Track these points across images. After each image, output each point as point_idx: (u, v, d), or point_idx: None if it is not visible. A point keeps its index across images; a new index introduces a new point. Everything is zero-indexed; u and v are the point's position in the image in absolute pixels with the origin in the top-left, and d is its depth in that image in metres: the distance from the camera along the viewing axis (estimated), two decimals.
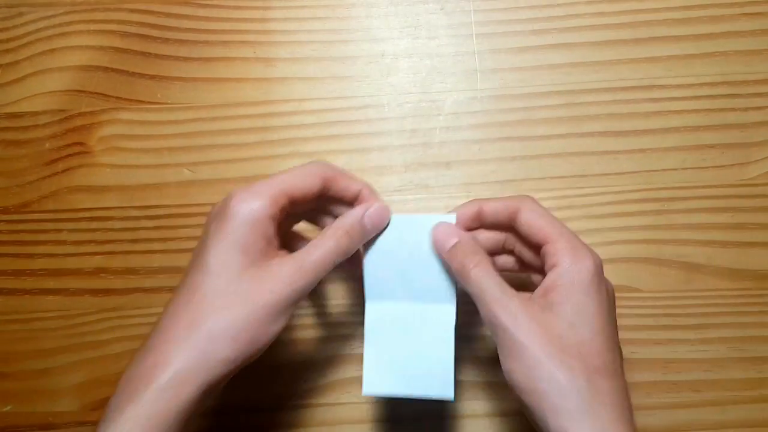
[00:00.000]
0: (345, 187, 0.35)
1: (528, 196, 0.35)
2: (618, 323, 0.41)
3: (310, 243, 0.33)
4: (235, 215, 0.31)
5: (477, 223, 0.35)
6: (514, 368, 0.30)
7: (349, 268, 0.36)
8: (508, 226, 0.35)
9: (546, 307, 0.31)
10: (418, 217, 0.35)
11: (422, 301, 0.35)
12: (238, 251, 0.31)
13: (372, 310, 0.36)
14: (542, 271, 0.33)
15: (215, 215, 0.32)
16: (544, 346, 0.30)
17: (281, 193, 0.32)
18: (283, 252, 0.33)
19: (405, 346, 0.35)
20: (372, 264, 0.35)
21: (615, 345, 0.32)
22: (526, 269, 0.36)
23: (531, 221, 0.33)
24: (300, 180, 0.33)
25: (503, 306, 0.31)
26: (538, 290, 0.32)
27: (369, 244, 0.35)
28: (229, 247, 0.31)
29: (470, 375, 0.42)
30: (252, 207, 0.31)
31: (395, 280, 0.35)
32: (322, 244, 0.32)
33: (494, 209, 0.34)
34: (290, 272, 0.31)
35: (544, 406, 0.29)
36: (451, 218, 0.35)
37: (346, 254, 0.33)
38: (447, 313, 0.35)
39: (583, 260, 0.31)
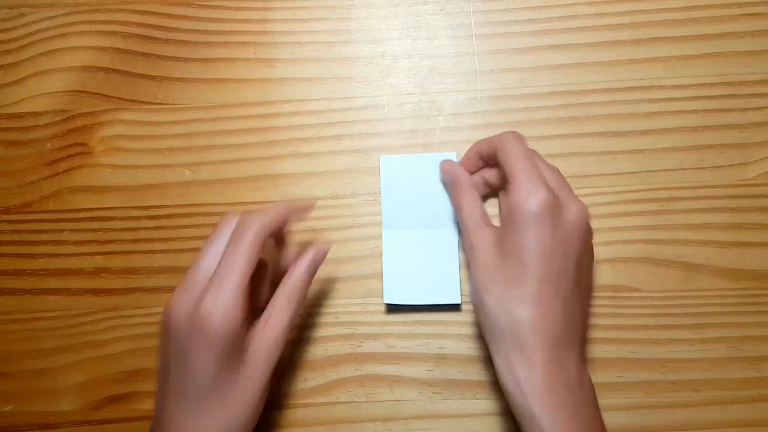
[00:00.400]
0: (278, 230, 0.37)
1: (509, 132, 0.39)
2: (617, 323, 0.41)
3: (264, 320, 0.35)
4: (215, 335, 0.32)
5: (480, 162, 0.41)
6: (470, 295, 0.37)
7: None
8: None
9: (499, 239, 0.36)
10: (424, 156, 0.43)
11: (430, 227, 0.42)
12: (223, 363, 0.33)
13: (388, 237, 0.42)
14: None
15: (190, 329, 0.33)
16: (481, 275, 0.35)
17: (245, 283, 0.33)
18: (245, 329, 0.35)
19: (417, 263, 0.42)
20: (387, 198, 0.43)
21: (552, 277, 0.34)
22: None
23: (502, 159, 0.37)
24: (254, 261, 0.34)
25: (467, 237, 0.38)
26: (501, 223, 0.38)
27: (385, 182, 0.43)
28: (216, 365, 0.33)
29: (472, 374, 0.42)
30: (227, 323, 0.33)
31: (407, 211, 0.42)
32: (278, 321, 0.36)
33: (484, 149, 0.40)
34: (264, 359, 0.35)
35: (481, 325, 0.36)
36: (452, 155, 0.42)
37: (298, 314, 0.37)
38: (451, 235, 0.42)
39: (527, 198, 0.34)
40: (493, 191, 0.42)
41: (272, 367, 0.35)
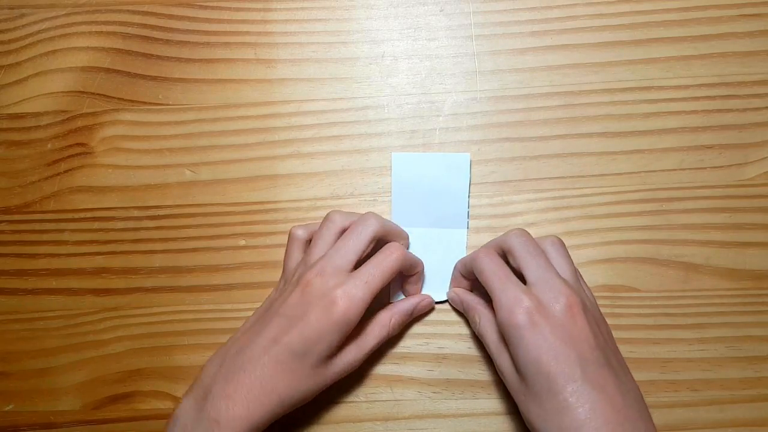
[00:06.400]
0: (408, 271, 0.41)
1: (481, 250, 0.39)
2: (616, 323, 0.41)
3: (371, 326, 0.39)
4: (337, 322, 0.36)
5: (467, 281, 0.41)
6: (522, 413, 0.35)
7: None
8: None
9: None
10: (437, 155, 0.43)
11: (440, 226, 0.43)
12: (325, 349, 0.36)
13: None
14: None
15: (320, 297, 0.36)
16: (520, 402, 0.35)
17: (372, 296, 0.37)
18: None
19: (425, 262, 0.42)
20: (398, 195, 0.43)
21: (575, 372, 0.33)
22: None
23: (481, 281, 0.37)
24: (386, 279, 0.38)
25: (495, 362, 0.37)
26: None
27: (396, 179, 0.43)
28: (320, 347, 0.36)
29: (473, 374, 0.42)
30: (351, 319, 0.36)
31: (417, 209, 0.43)
32: (380, 329, 0.40)
33: (462, 270, 0.41)
34: (348, 361, 0.38)
35: None
36: (466, 157, 0.42)
37: (391, 333, 0.41)
38: (460, 236, 0.43)
39: (509, 315, 0.34)
40: None
41: (337, 379, 0.38)
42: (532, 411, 0.33)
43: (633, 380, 0.35)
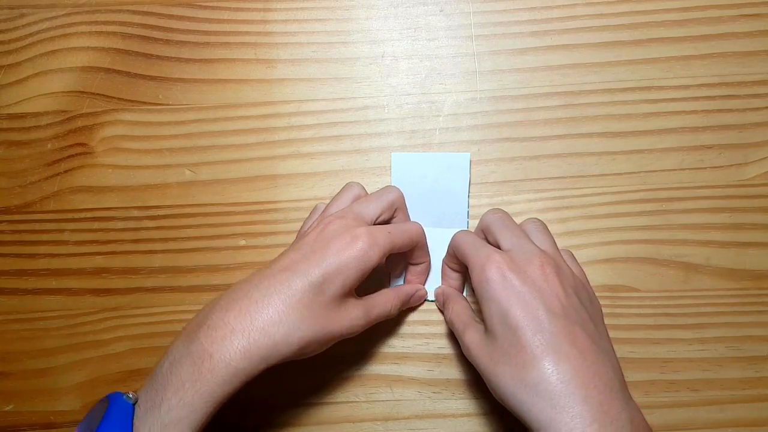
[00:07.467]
0: (417, 257, 0.41)
1: (459, 232, 0.39)
2: (616, 323, 0.41)
3: (376, 296, 0.38)
4: (358, 257, 0.34)
5: (454, 272, 0.41)
6: (489, 388, 0.33)
7: None
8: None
9: (484, 324, 0.34)
10: (436, 155, 0.43)
11: (439, 226, 0.42)
12: (340, 286, 0.34)
13: None
14: None
15: (342, 233, 0.35)
16: (484, 363, 0.33)
17: (390, 249, 0.36)
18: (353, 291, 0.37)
19: None
20: None
21: (544, 322, 0.31)
22: None
23: (458, 256, 0.37)
24: (404, 242, 0.38)
25: (461, 341, 0.36)
26: None
27: (396, 179, 0.43)
28: (338, 281, 0.34)
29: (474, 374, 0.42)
30: (372, 258, 0.35)
31: (416, 209, 0.42)
32: (385, 303, 0.38)
33: (446, 259, 0.40)
34: (355, 317, 0.36)
35: (517, 412, 0.31)
36: (466, 156, 0.42)
37: (392, 313, 0.39)
38: None
39: (479, 271, 0.34)
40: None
41: (348, 332, 0.36)
42: (499, 373, 0.31)
43: (612, 350, 0.33)
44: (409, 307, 0.42)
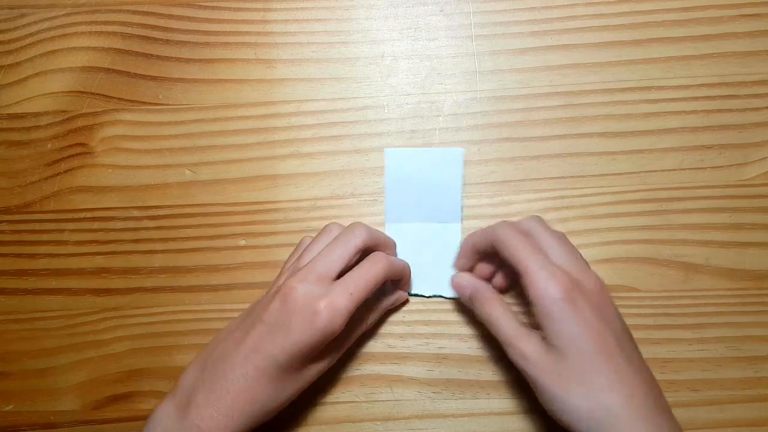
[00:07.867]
0: (394, 276, 0.40)
1: (502, 223, 0.38)
2: None
3: (349, 324, 0.37)
4: (320, 331, 0.35)
5: (476, 255, 0.40)
6: (544, 403, 0.34)
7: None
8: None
9: (543, 340, 0.34)
10: (429, 150, 0.43)
11: (433, 221, 0.43)
12: (307, 357, 0.36)
13: (391, 230, 0.43)
14: None
15: (303, 307, 0.35)
16: (550, 380, 0.33)
17: (356, 307, 0.36)
18: None
19: (419, 257, 0.42)
20: (390, 191, 0.43)
21: (614, 350, 0.33)
22: None
23: (506, 255, 0.36)
24: (370, 290, 0.37)
25: (514, 348, 0.35)
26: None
27: (389, 175, 0.43)
28: (304, 355, 0.36)
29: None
30: (335, 328, 0.35)
31: (410, 204, 0.43)
32: (355, 331, 0.40)
33: (479, 243, 0.39)
34: (330, 359, 0.39)
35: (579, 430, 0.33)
36: (459, 152, 0.42)
37: (369, 327, 0.41)
38: (454, 230, 0.43)
39: (547, 288, 0.34)
40: (503, 293, 0.41)
41: (316, 378, 0.38)
42: (571, 390, 0.33)
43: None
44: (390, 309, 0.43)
